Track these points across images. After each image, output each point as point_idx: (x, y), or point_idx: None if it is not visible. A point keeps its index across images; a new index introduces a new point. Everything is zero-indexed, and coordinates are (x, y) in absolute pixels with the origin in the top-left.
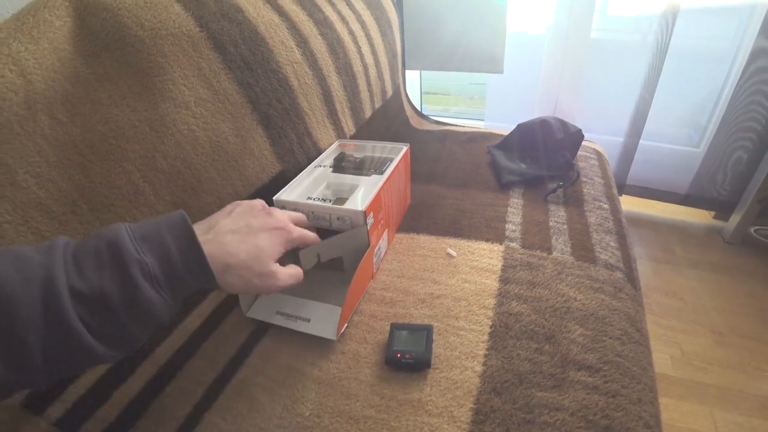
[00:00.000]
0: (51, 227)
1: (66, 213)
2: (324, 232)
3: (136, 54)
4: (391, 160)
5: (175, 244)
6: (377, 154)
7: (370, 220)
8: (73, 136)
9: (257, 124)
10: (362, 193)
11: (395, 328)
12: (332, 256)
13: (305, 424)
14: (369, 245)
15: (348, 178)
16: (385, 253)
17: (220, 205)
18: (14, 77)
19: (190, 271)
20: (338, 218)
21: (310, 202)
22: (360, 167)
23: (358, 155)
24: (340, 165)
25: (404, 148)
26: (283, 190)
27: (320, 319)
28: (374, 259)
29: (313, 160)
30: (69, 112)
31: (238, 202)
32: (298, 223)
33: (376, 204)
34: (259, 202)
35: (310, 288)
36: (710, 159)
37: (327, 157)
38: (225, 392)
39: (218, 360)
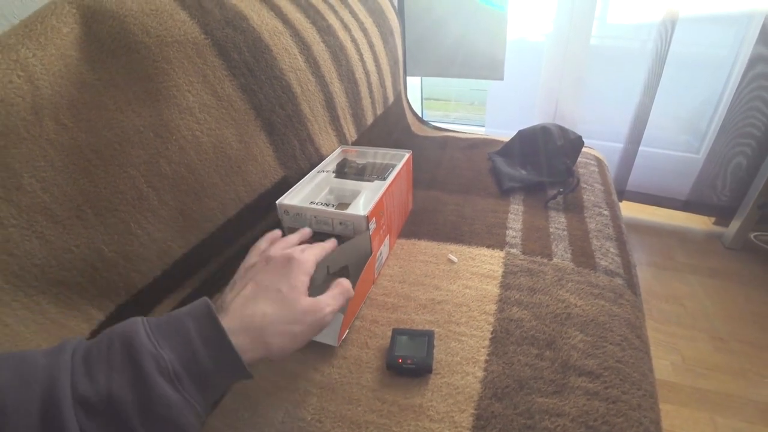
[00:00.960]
0: (56, 232)
1: (71, 218)
2: (326, 237)
3: (141, 60)
4: (394, 166)
5: (196, 332)
6: (379, 161)
7: (372, 226)
8: (78, 141)
9: (260, 130)
10: (364, 198)
11: (397, 333)
12: (340, 266)
13: (307, 428)
14: (372, 251)
15: (350, 184)
16: (387, 258)
17: (223, 211)
18: (22, 83)
19: (214, 359)
20: (341, 223)
21: (312, 206)
22: (362, 173)
23: (361, 161)
24: (342, 171)
25: (406, 155)
26: (286, 194)
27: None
28: (376, 265)
29: (315, 166)
30: (75, 118)
31: (242, 266)
32: (303, 240)
33: (378, 209)
34: (257, 248)
35: (313, 293)
36: (710, 165)
37: (330, 163)
38: (227, 396)
39: None
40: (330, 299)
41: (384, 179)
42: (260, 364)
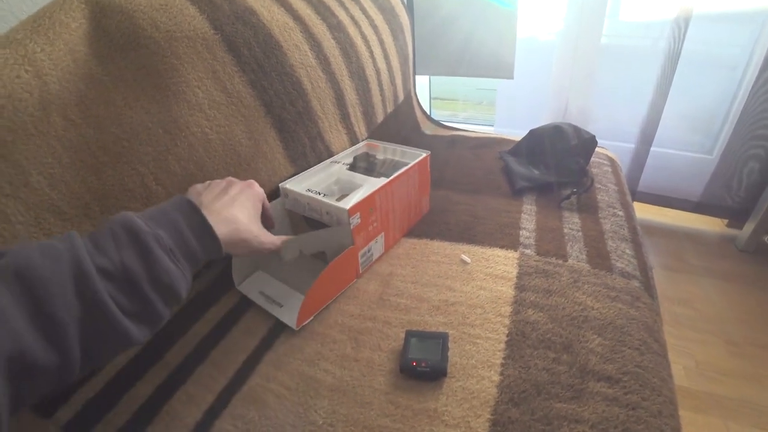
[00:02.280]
0: (63, 229)
1: (78, 215)
2: (317, 223)
3: (150, 56)
4: (406, 164)
5: (182, 219)
6: (395, 158)
7: (354, 220)
8: (86, 137)
9: (270, 127)
10: (360, 192)
11: (410, 335)
12: (315, 251)
13: None
14: (353, 244)
15: (357, 177)
16: (380, 257)
17: None
18: (30, 78)
19: (199, 239)
20: (327, 212)
21: (308, 194)
22: (373, 168)
23: (380, 157)
24: (356, 164)
25: (422, 155)
26: (292, 178)
27: (290, 307)
28: (360, 260)
29: None
30: (83, 114)
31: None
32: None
33: (366, 205)
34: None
35: (295, 276)
36: (723, 166)
37: (348, 155)
38: (235, 399)
39: (228, 366)
40: (272, 238)
41: (388, 177)
42: (270, 366)
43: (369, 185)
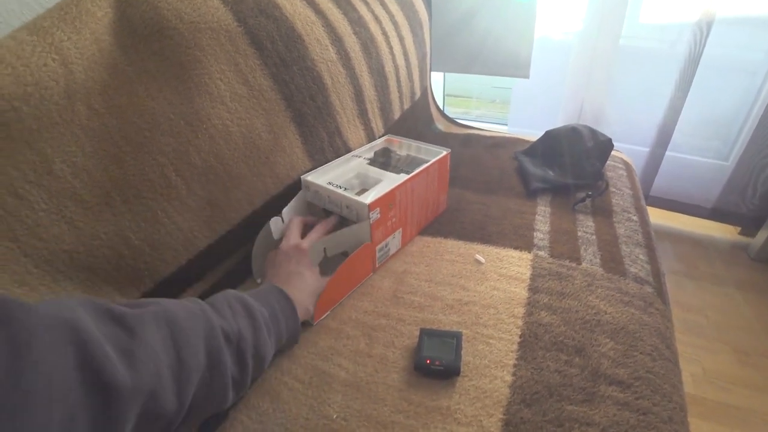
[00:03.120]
0: (85, 218)
1: (100, 204)
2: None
3: (174, 47)
4: (426, 161)
5: (276, 303)
6: (415, 154)
7: (374, 215)
8: (109, 127)
9: (290, 121)
10: (380, 188)
11: (424, 333)
12: (338, 251)
13: (332, 426)
14: (371, 239)
15: (377, 172)
16: (395, 254)
17: (250, 202)
18: (56, 66)
19: (287, 319)
20: (347, 206)
21: (329, 187)
22: (393, 164)
23: (400, 152)
24: (377, 159)
25: (443, 153)
26: (314, 171)
27: None
28: (377, 255)
29: None
30: (106, 103)
31: (269, 258)
32: (308, 223)
33: (386, 200)
34: (271, 255)
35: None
36: (739, 173)
37: (369, 150)
38: (250, 390)
39: None
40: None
41: (409, 173)
42: (284, 359)
43: (389, 180)
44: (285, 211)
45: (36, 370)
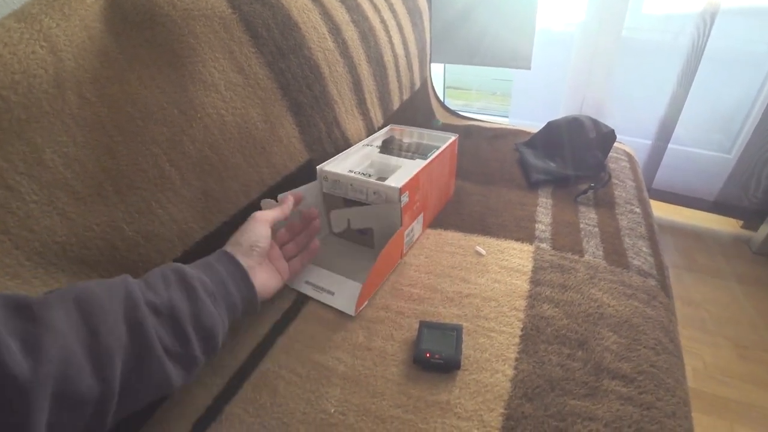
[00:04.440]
0: (77, 209)
1: (92, 195)
2: (360, 206)
3: (167, 34)
4: (437, 147)
5: (224, 269)
6: (424, 141)
7: (404, 199)
8: (101, 116)
9: (287, 110)
10: (402, 173)
11: (424, 326)
12: (362, 225)
13: (330, 420)
14: (401, 224)
15: (393, 159)
16: (418, 237)
17: (246, 193)
18: (45, 54)
19: (238, 286)
20: (374, 192)
21: (350, 174)
22: (406, 150)
23: (407, 140)
24: (388, 147)
25: (452, 138)
26: (328, 161)
27: (343, 294)
28: (405, 240)
29: (340, 150)
30: (98, 92)
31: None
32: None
33: (413, 185)
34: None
35: (339, 262)
36: (742, 166)
37: (377, 138)
38: (246, 384)
39: (239, 351)
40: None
41: (425, 158)
42: (281, 352)
43: (408, 166)
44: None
45: None
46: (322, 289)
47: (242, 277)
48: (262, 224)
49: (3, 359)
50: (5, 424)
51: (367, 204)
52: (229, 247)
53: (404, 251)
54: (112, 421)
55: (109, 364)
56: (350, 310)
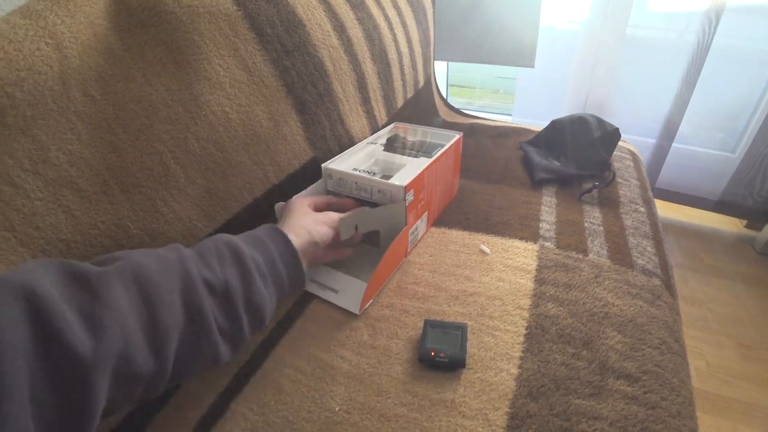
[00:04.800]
0: (82, 207)
1: (97, 192)
2: (364, 204)
3: (172, 31)
4: (442, 146)
5: (275, 249)
6: (429, 139)
7: (409, 197)
8: (105, 114)
9: (291, 108)
10: (406, 171)
11: (429, 325)
12: (370, 229)
13: (334, 419)
14: (406, 223)
15: (396, 158)
16: (423, 236)
17: (251, 191)
18: (50, 51)
19: (287, 269)
20: (379, 191)
21: (355, 172)
22: (410, 149)
23: (411, 138)
24: (392, 145)
25: (456, 136)
26: (333, 159)
27: (348, 293)
28: (410, 238)
29: (345, 148)
30: (102, 90)
31: (285, 207)
32: (331, 205)
33: (417, 183)
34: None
35: (344, 261)
36: (746, 165)
37: (381, 136)
38: (251, 382)
39: (244, 349)
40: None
41: (430, 156)
42: (285, 350)
43: (412, 164)
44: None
45: None
46: (327, 288)
47: (292, 258)
48: (330, 227)
49: (66, 338)
50: (66, 399)
51: (372, 202)
52: (285, 227)
53: (409, 250)
54: (161, 391)
55: (165, 343)
56: (355, 309)
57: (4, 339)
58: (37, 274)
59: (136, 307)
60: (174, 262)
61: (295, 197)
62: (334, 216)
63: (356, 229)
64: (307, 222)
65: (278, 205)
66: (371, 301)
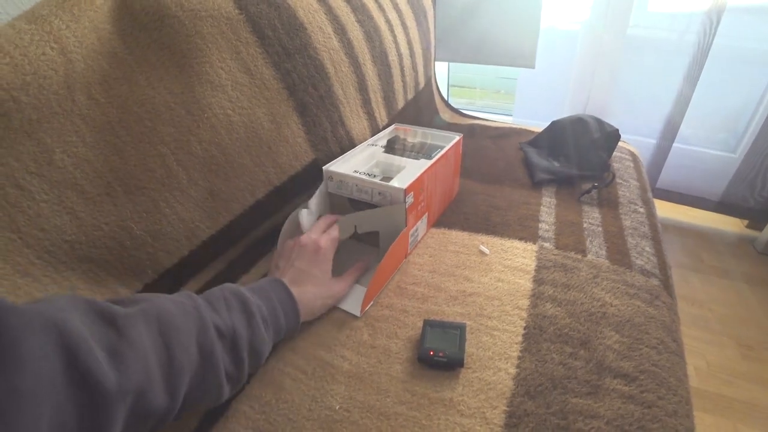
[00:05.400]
0: (86, 208)
1: (101, 194)
2: (366, 205)
3: (174, 35)
4: (442, 147)
5: (276, 297)
6: (429, 141)
7: (409, 200)
8: (109, 117)
9: (293, 110)
10: (406, 173)
11: (428, 325)
12: (369, 229)
13: (334, 417)
14: (406, 224)
15: (397, 159)
16: (422, 237)
17: (252, 192)
18: (55, 55)
19: (286, 317)
20: (379, 193)
21: (355, 175)
22: (410, 150)
23: (411, 140)
24: (392, 147)
25: (456, 138)
26: (334, 161)
27: (348, 295)
28: (410, 240)
29: (345, 150)
30: (106, 93)
31: (276, 253)
32: (329, 222)
33: (417, 185)
34: (288, 245)
35: (345, 264)
36: (747, 165)
37: (381, 138)
38: (252, 381)
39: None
40: (349, 279)
41: (429, 158)
42: (286, 349)
43: (412, 166)
44: (312, 202)
45: (24, 370)
46: None
47: (292, 309)
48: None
49: (94, 370)
50: (87, 428)
51: (372, 204)
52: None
53: (409, 251)
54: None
55: (179, 383)
56: (356, 311)
57: (35, 368)
58: (67, 311)
59: (157, 347)
60: (189, 308)
61: (306, 235)
62: (334, 234)
63: (355, 229)
64: (320, 288)
65: (305, 213)
66: (372, 302)
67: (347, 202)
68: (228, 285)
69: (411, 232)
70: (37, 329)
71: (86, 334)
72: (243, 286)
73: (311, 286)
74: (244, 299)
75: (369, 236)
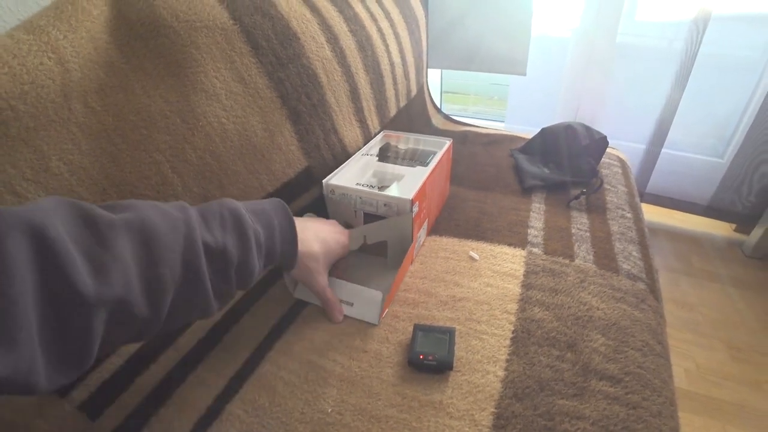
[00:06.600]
0: None
1: (96, 202)
2: (370, 218)
3: (170, 45)
4: (435, 153)
5: (277, 225)
6: (420, 147)
7: (415, 209)
8: (105, 125)
9: (286, 119)
10: (407, 182)
11: (418, 329)
12: (378, 240)
13: (327, 420)
14: (412, 233)
15: (392, 168)
16: (422, 243)
17: (245, 199)
18: (52, 64)
19: (283, 246)
20: (385, 204)
21: (358, 187)
22: (403, 158)
23: (403, 146)
24: (385, 155)
25: (447, 143)
26: (332, 174)
27: (363, 304)
28: (415, 246)
29: (338, 157)
30: (103, 101)
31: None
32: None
33: (421, 194)
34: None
35: (354, 272)
36: (734, 170)
37: (373, 147)
38: (246, 385)
39: (239, 352)
40: (324, 287)
41: (425, 165)
42: (280, 354)
43: (411, 174)
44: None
45: (9, 276)
46: (342, 301)
47: (290, 238)
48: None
49: (73, 278)
50: (68, 333)
51: (377, 215)
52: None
53: (414, 258)
54: (152, 336)
55: (162, 297)
56: (374, 320)
57: (16, 273)
58: (51, 214)
59: (139, 260)
60: (179, 222)
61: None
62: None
63: (365, 240)
64: (326, 229)
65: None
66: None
67: (353, 213)
68: (227, 201)
69: (416, 238)
70: (14, 230)
71: (66, 238)
72: (247, 204)
73: (316, 226)
74: (241, 221)
75: (375, 246)
